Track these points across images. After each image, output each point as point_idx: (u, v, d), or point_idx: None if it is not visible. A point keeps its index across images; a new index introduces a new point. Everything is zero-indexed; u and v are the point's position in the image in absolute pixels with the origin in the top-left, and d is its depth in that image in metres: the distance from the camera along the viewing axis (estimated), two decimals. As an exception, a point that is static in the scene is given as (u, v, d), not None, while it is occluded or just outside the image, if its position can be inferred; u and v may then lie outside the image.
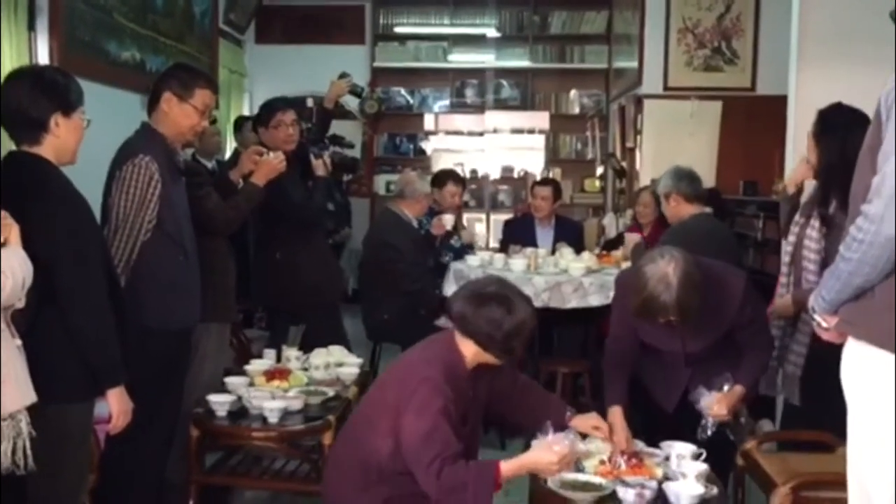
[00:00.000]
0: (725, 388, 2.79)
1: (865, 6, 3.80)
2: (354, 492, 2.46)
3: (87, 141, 2.47)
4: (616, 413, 2.78)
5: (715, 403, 2.78)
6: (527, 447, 2.47)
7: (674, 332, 2.83)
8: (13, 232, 2.03)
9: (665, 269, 2.69)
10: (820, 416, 2.74)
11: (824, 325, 1.91)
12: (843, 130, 2.94)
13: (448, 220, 5.02)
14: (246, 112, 7.47)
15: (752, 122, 6.01)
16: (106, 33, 4.78)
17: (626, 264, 4.54)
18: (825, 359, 2.16)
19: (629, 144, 6.88)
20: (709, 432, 2.77)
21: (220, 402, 3.09)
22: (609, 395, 2.88)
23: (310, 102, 7.43)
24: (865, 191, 1.73)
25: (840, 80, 3.73)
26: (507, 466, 2.32)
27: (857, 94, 3.11)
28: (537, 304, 3.95)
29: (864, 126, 1.91)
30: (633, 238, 4.77)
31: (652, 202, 4.85)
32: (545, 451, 2.36)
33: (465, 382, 2.47)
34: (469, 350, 2.47)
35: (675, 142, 6.14)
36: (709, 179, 5.83)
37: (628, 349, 2.98)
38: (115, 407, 2.39)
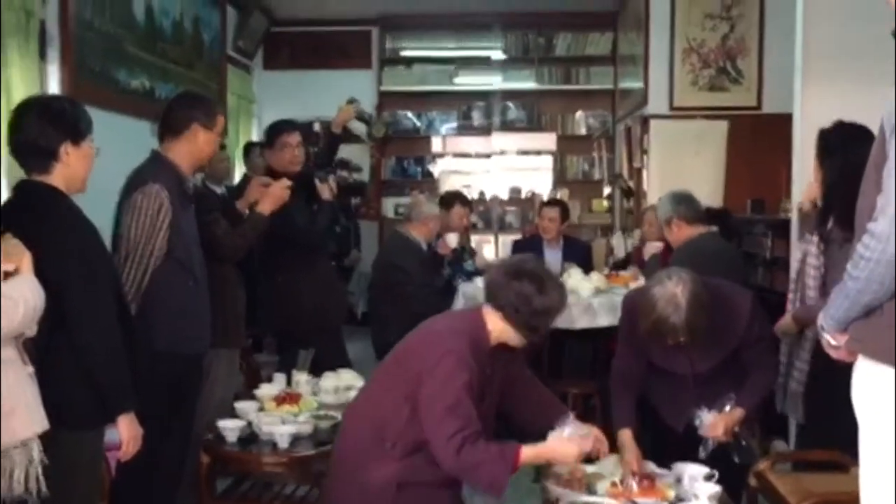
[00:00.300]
0: (727, 408, 2.78)
1: (868, 23, 3.79)
2: (367, 460, 2.42)
3: (96, 168, 2.50)
4: (626, 434, 2.78)
5: (712, 424, 2.77)
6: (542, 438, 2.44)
7: (682, 352, 2.83)
8: (25, 260, 2.05)
9: (673, 290, 2.70)
10: (832, 434, 2.73)
11: (834, 343, 1.90)
12: (841, 149, 2.97)
13: (452, 238, 5.06)
14: (255, 137, 7.52)
15: (759, 140, 6.00)
16: (116, 62, 4.84)
17: (634, 284, 4.53)
18: (827, 376, 2.15)
19: (636, 164, 6.89)
20: (708, 451, 2.75)
21: (230, 428, 3.09)
22: (618, 417, 2.87)
23: (317, 127, 7.49)
24: (871, 208, 1.73)
25: (845, 96, 3.74)
26: (527, 452, 2.32)
27: (862, 111, 3.11)
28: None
29: (865, 142, 1.91)
30: (654, 247, 4.75)
31: (657, 221, 4.86)
32: (567, 443, 2.36)
33: (487, 359, 2.46)
34: (495, 325, 2.47)
35: (682, 161, 6.14)
36: (716, 198, 5.84)
37: (635, 369, 2.97)
38: (125, 433, 2.40)
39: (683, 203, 4.01)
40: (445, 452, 2.28)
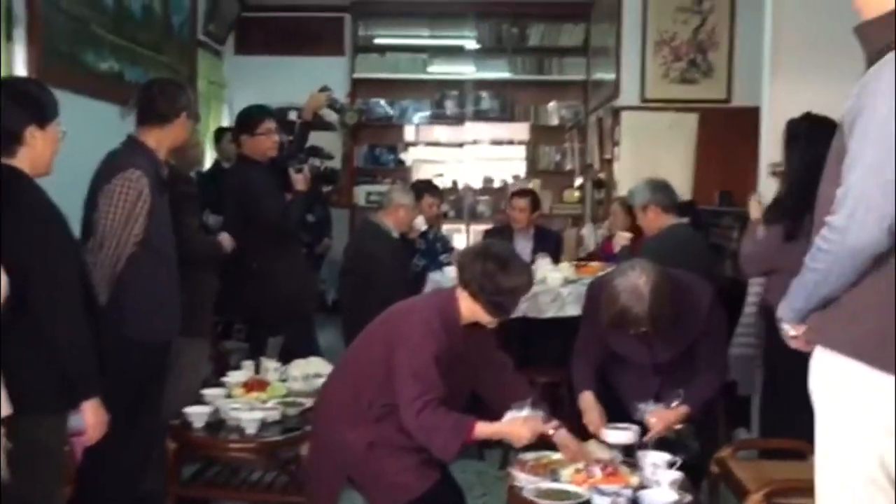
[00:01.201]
0: (673, 404, 2.82)
1: (836, 19, 3.81)
2: (343, 428, 2.57)
3: (65, 152, 2.48)
4: (587, 396, 2.90)
5: (652, 418, 2.81)
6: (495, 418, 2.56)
7: (643, 342, 2.87)
8: (-12, 244, 2.03)
9: (636, 281, 2.73)
10: (794, 424, 2.77)
11: (792, 333, 1.93)
12: (804, 141, 3.03)
13: (420, 222, 5.13)
14: (225, 123, 7.46)
15: (728, 133, 6.05)
16: (84, 44, 4.77)
17: (603, 274, 4.57)
18: (784, 366, 2.19)
19: (607, 156, 6.93)
20: (651, 445, 2.75)
21: (197, 414, 3.09)
22: (578, 382, 2.98)
23: (293, 115, 7.43)
24: (830, 201, 1.76)
25: (812, 90, 3.79)
26: (482, 428, 2.48)
27: (829, 105, 3.16)
28: (515, 314, 3.97)
29: (828, 135, 1.94)
30: (623, 238, 4.80)
31: (622, 212, 4.96)
32: (520, 424, 2.49)
33: (458, 335, 2.58)
34: (465, 302, 2.60)
35: (653, 153, 6.19)
36: (685, 190, 5.89)
37: (597, 354, 3.04)
38: (90, 418, 2.39)
39: (660, 191, 4.07)
40: (407, 413, 2.44)
